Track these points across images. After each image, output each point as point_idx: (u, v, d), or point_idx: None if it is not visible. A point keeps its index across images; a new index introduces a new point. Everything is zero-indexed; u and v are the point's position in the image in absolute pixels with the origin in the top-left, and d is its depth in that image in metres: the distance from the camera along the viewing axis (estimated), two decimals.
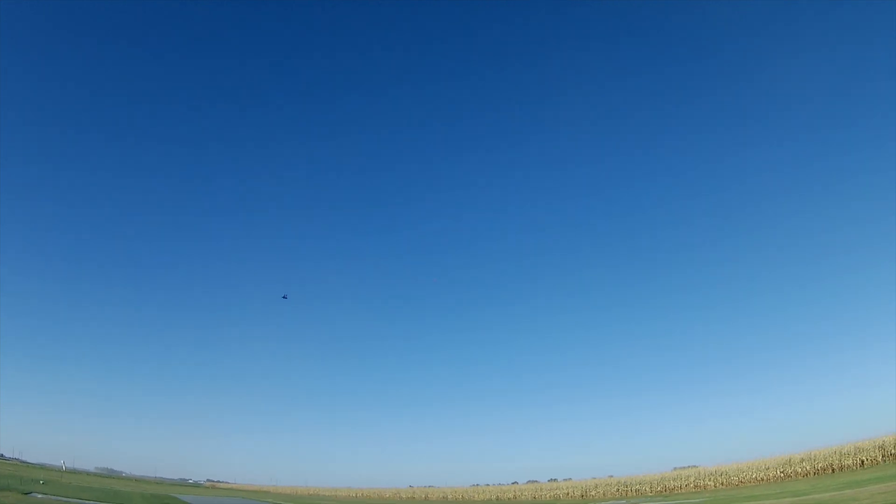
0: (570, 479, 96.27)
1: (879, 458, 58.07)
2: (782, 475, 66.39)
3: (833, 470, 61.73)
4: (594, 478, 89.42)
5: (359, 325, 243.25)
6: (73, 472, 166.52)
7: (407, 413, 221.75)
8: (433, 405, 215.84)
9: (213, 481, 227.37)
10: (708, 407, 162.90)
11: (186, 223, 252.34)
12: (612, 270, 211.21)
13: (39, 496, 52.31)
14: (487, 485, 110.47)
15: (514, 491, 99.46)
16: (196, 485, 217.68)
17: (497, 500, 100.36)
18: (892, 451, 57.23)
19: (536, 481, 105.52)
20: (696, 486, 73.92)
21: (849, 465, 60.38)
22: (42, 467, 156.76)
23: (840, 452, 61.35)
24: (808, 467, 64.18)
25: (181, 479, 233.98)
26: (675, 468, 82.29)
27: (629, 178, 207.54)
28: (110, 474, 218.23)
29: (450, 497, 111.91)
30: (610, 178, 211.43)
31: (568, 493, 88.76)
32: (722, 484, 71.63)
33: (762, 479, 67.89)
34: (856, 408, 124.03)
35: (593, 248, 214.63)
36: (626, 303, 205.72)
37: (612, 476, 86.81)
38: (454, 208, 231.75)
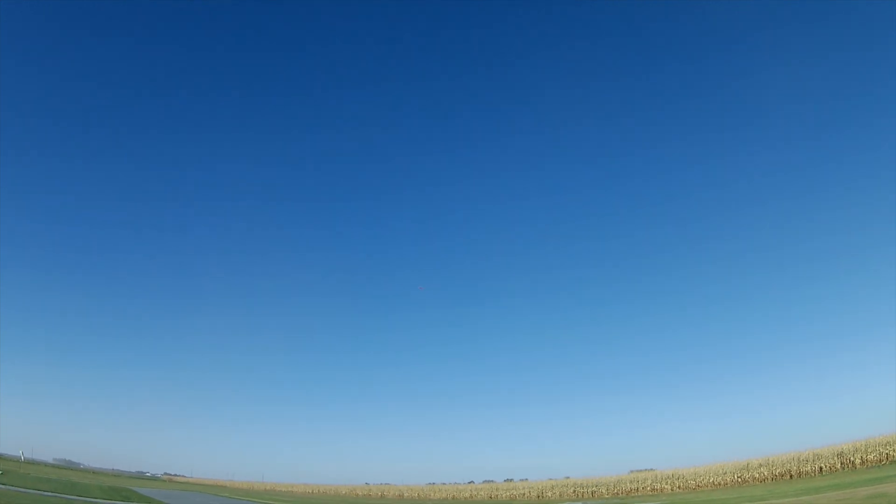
0: (527, 479, 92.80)
1: (838, 466, 55.66)
2: (740, 480, 64.00)
3: (791, 476, 59.34)
4: (550, 479, 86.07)
5: (317, 321, 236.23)
6: (32, 462, 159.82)
7: (363, 411, 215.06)
8: (390, 403, 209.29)
9: (171, 475, 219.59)
10: (666, 410, 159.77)
11: (157, 212, 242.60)
12: (571, 273, 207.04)
13: None
14: (443, 484, 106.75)
15: (471, 490, 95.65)
16: (153, 478, 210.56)
17: (453, 499, 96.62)
18: (851, 458, 54.76)
19: (493, 481, 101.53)
20: (652, 490, 71.16)
21: (807, 472, 57.97)
22: (0, 457, 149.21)
23: (798, 458, 58.94)
24: (765, 472, 61.72)
25: (138, 471, 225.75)
26: (631, 471, 79.32)
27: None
28: (69, 466, 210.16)
29: (406, 495, 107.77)
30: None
31: (524, 494, 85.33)
32: (679, 487, 69.01)
33: (719, 484, 65.39)
34: (815, 415, 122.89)
35: (558, 250, 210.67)
36: (584, 305, 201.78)
37: (568, 477, 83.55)
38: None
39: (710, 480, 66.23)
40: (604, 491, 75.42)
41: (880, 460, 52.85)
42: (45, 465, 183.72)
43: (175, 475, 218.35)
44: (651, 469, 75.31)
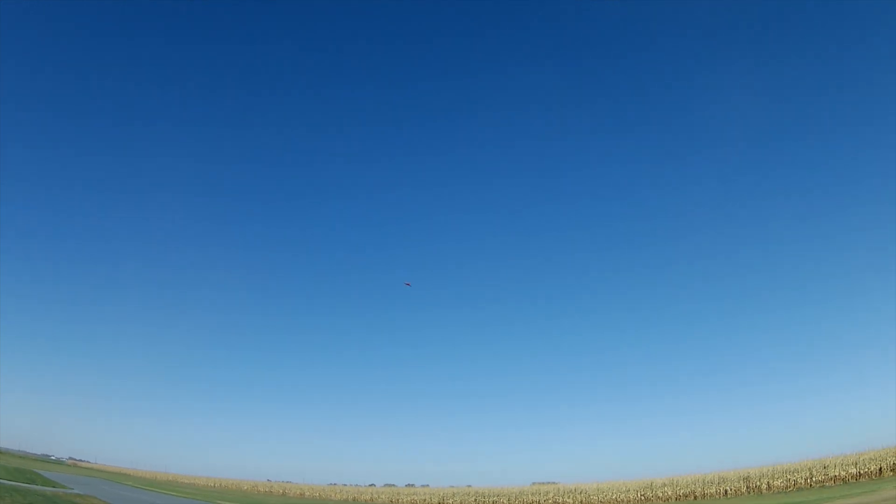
0: (428, 485, 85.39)
1: (743, 490, 50.23)
2: (643, 498, 58.10)
3: (695, 497, 53.73)
4: (452, 486, 78.77)
5: (237, 317, 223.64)
6: None
7: (266, 407, 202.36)
8: (294, 401, 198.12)
9: (76, 460, 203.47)
10: (572, 424, 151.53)
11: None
12: (489, 280, 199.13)
13: None
14: (345, 485, 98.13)
15: (371, 493, 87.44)
16: (58, 462, 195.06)
17: (354, 500, 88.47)
18: (757, 483, 49.34)
19: (394, 485, 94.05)
20: (554, 503, 64.80)
21: (711, 494, 52.47)
22: None
23: (703, 480, 53.35)
24: (669, 492, 55.91)
25: (43, 454, 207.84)
26: (534, 483, 72.85)
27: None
28: None
29: (307, 494, 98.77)
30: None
31: (425, 500, 77.71)
32: (581, 502, 62.79)
33: (622, 501, 59.41)
34: (722, 438, 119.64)
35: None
36: (498, 318, 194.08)
37: (470, 486, 76.49)
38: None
39: (613, 497, 60.16)
40: (505, 501, 68.70)
41: (787, 487, 47.63)
42: None
43: (80, 460, 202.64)
44: (554, 482, 68.86)
